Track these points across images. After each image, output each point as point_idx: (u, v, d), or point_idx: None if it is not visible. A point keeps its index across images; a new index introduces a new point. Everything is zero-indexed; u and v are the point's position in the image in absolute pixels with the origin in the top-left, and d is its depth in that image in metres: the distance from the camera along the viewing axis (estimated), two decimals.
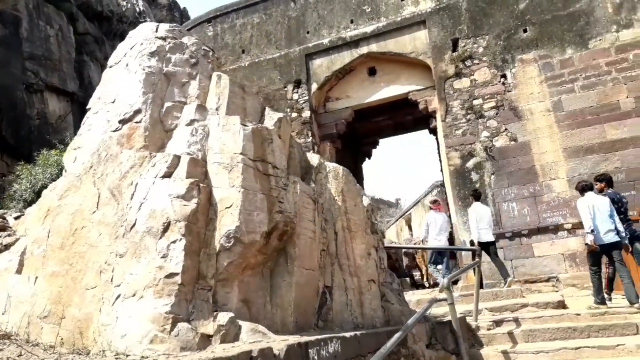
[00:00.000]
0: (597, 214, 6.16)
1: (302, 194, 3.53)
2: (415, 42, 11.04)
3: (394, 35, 11.26)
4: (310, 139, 11.63)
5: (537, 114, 9.57)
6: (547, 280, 8.69)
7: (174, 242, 2.93)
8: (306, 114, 11.76)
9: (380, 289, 4.45)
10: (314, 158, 4.31)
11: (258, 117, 3.91)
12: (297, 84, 12.03)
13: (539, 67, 9.78)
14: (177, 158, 3.25)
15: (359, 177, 14.28)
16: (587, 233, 6.13)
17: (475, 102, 10.11)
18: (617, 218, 6.17)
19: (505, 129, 9.73)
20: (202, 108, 3.57)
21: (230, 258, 3.04)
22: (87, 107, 3.87)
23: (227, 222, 3.07)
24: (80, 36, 21.06)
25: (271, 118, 3.84)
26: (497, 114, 9.87)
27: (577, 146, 9.13)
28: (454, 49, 10.55)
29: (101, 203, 3.35)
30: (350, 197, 4.33)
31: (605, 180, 6.73)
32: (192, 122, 3.49)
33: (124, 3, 25.10)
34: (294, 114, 11.88)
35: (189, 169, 3.19)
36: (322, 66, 11.95)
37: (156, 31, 3.91)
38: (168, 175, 3.19)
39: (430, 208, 8.96)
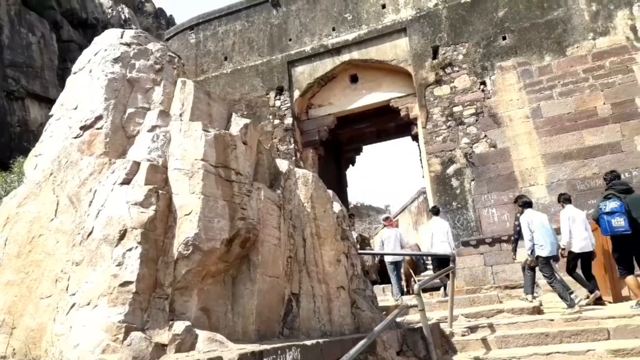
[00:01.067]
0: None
1: (266, 201, 3.49)
2: (396, 50, 11.10)
3: (375, 43, 11.32)
4: (292, 146, 11.61)
5: (517, 120, 9.64)
6: None
7: (130, 249, 2.88)
8: (288, 120, 11.76)
9: (351, 295, 4.42)
10: (283, 164, 4.28)
11: (224, 123, 3.88)
12: (280, 91, 12.03)
13: (518, 74, 9.87)
14: (137, 164, 3.20)
15: (342, 183, 14.29)
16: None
17: (456, 109, 10.18)
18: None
19: (485, 136, 9.79)
20: (164, 114, 3.53)
21: (188, 266, 2.99)
22: (50, 113, 3.81)
23: (185, 229, 3.02)
24: (65, 43, 20.92)
25: (237, 124, 3.81)
26: (477, 120, 9.93)
27: (556, 152, 9.20)
28: (435, 57, 10.62)
29: (60, 210, 3.29)
30: (319, 203, 4.30)
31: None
32: (153, 128, 3.45)
33: (109, 10, 25.01)
34: (277, 121, 11.88)
35: (148, 176, 3.14)
36: (304, 73, 11.97)
37: (121, 37, 3.87)
38: (127, 182, 3.14)
39: (384, 225, 9.16)
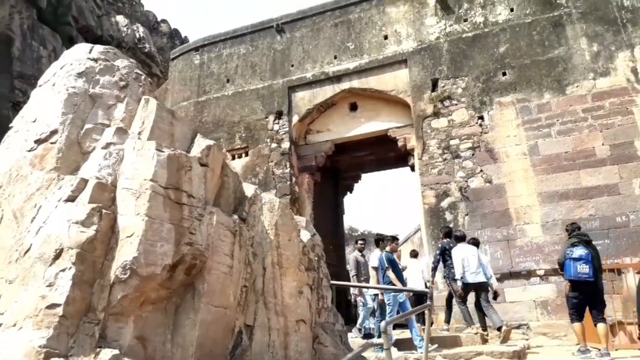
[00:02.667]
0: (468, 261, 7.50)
1: (218, 226, 3.36)
2: (396, 80, 11.09)
3: (375, 73, 11.34)
4: (288, 170, 11.54)
5: (513, 156, 9.49)
6: (518, 327, 8.40)
7: (64, 270, 2.75)
8: (285, 144, 11.71)
9: (313, 330, 4.22)
10: (249, 189, 4.15)
11: (188, 143, 3.78)
12: (279, 115, 12.03)
13: (517, 111, 9.77)
14: (84, 182, 3.10)
15: (338, 210, 14.13)
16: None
17: (452, 142, 10.06)
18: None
19: (481, 170, 9.63)
20: (121, 131, 3.45)
21: (125, 291, 2.85)
22: (10, 125, 3.75)
23: (125, 252, 2.89)
24: None
25: (200, 145, 3.71)
26: (473, 154, 9.79)
27: (552, 191, 9.00)
28: (434, 89, 10.58)
29: (2, 225, 3.18)
30: (284, 231, 4.16)
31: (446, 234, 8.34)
32: (108, 145, 3.36)
33: (124, 29, 25.50)
34: (274, 145, 11.85)
35: (94, 194, 3.03)
36: (304, 99, 11.98)
37: (90, 52, 3.83)
38: (72, 199, 3.04)
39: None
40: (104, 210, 3.01)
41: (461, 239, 7.82)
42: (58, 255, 2.80)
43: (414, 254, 9.07)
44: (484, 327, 7.39)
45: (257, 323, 3.70)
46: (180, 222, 3.15)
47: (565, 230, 6.66)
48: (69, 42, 21.41)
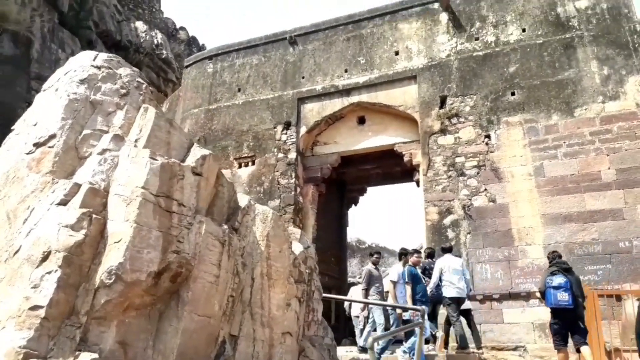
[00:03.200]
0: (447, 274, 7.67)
1: (207, 235, 3.41)
2: (405, 96, 11.13)
3: (385, 88, 11.39)
4: (293, 180, 11.60)
5: (518, 177, 9.44)
6: (514, 349, 8.31)
7: (49, 272, 2.81)
8: (292, 155, 11.78)
9: (300, 343, 4.24)
10: (243, 199, 4.21)
11: (184, 152, 3.85)
12: (287, 126, 12.13)
13: (524, 131, 9.73)
14: (77, 186, 3.18)
15: (342, 222, 14.14)
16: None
17: (458, 159, 10.04)
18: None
19: (485, 189, 9.59)
20: (118, 138, 3.53)
21: (109, 296, 2.90)
22: (12, 127, 3.86)
23: (112, 257, 2.95)
24: None
25: (195, 155, 3.78)
26: (478, 173, 9.76)
27: (556, 213, 8.93)
28: (442, 106, 10.59)
29: None
30: (276, 242, 4.19)
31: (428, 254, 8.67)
32: (104, 151, 3.44)
33: (143, 35, 25.92)
34: (280, 155, 11.93)
35: (85, 199, 3.11)
36: (313, 111, 12.07)
37: (94, 60, 3.94)
38: (64, 203, 3.11)
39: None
40: (94, 215, 3.08)
41: (447, 250, 7.99)
42: (45, 257, 2.87)
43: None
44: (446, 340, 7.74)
45: (242, 333, 3.73)
46: (168, 230, 3.20)
47: (547, 257, 6.85)
48: (88, 46, 21.85)
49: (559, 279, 6.00)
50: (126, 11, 27.51)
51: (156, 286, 3.10)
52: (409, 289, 7.02)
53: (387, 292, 7.83)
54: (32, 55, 15.63)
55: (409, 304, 6.79)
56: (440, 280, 7.70)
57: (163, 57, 27.49)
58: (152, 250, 3.06)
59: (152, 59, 26.91)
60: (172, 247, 3.18)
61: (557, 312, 6.05)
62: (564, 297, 5.87)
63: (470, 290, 7.92)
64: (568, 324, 6.00)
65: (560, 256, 6.58)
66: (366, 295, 8.24)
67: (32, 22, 15.89)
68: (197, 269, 3.30)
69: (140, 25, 27.09)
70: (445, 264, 7.71)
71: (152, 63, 26.95)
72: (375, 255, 9.03)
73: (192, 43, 33.66)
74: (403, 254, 7.88)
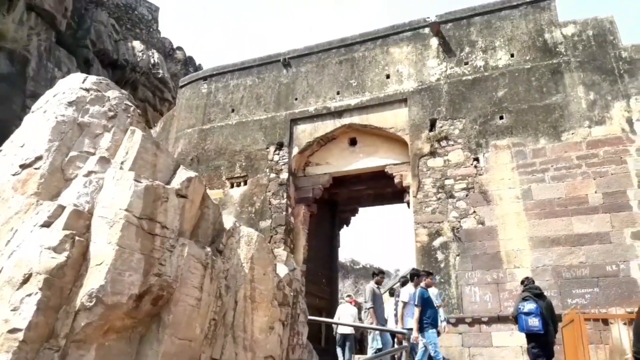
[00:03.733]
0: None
1: (189, 257, 3.44)
2: (396, 118, 11.28)
3: (376, 110, 11.55)
4: (285, 201, 11.64)
5: (507, 199, 9.53)
6: None
7: (30, 295, 2.83)
8: (284, 175, 11.85)
9: None
10: (228, 221, 4.25)
11: (170, 174, 3.90)
12: (280, 146, 12.22)
13: (512, 154, 9.86)
14: (62, 208, 3.21)
15: (334, 242, 14.15)
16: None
17: (447, 182, 10.14)
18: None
19: (474, 212, 9.67)
20: (104, 160, 3.58)
21: (89, 318, 2.91)
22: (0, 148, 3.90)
23: (93, 280, 2.97)
24: None
25: (181, 177, 3.83)
26: (467, 195, 9.85)
27: (544, 236, 9.00)
28: (431, 129, 10.74)
29: None
30: (260, 265, 4.22)
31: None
32: (89, 173, 3.49)
33: (140, 54, 26.18)
34: (273, 175, 11.99)
35: (69, 221, 3.14)
36: (306, 132, 12.18)
37: (83, 82, 4.01)
38: (47, 224, 3.14)
39: (346, 301, 9.67)
40: (77, 237, 3.11)
41: (409, 280, 8.08)
42: (26, 279, 2.89)
43: (392, 293, 9.34)
44: None
45: (224, 357, 3.72)
46: (151, 253, 3.23)
47: (520, 282, 7.06)
48: (85, 65, 22.05)
49: (529, 305, 6.27)
50: (124, 31, 27.79)
51: (137, 309, 3.12)
52: (417, 311, 6.87)
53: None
54: (28, 74, 15.76)
55: (414, 327, 6.72)
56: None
57: (159, 76, 27.71)
58: (134, 273, 3.09)
59: (148, 78, 27.11)
60: (154, 270, 3.20)
61: (531, 337, 6.31)
62: (534, 322, 6.12)
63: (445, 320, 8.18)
64: (544, 348, 6.20)
65: (533, 281, 6.78)
66: (375, 314, 8.12)
67: (29, 41, 16.06)
68: (178, 292, 3.32)
69: (137, 45, 27.36)
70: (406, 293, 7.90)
71: (149, 82, 27.15)
72: (380, 275, 8.96)
73: (188, 63, 33.95)
74: (415, 275, 7.71)
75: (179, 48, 34.33)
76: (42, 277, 2.88)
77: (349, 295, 10.33)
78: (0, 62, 15.25)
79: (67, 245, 3.05)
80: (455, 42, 11.33)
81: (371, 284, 8.73)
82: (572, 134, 9.57)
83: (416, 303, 6.90)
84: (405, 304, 7.37)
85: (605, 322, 7.24)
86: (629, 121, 9.26)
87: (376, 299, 8.38)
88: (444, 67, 11.23)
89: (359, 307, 10.26)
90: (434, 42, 11.54)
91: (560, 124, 9.75)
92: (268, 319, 4.11)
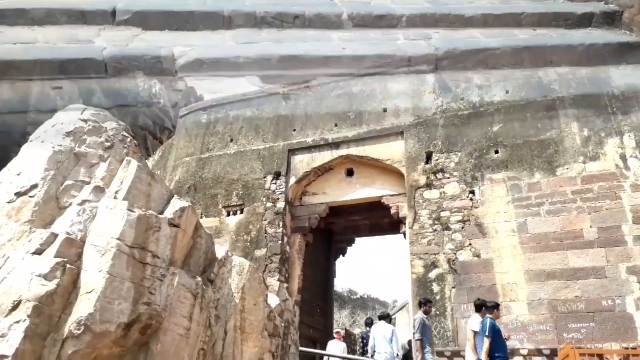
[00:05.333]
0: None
1: (179, 287, 3.46)
2: (392, 151, 11.40)
3: (373, 142, 11.68)
4: (281, 230, 11.63)
5: (502, 232, 9.55)
6: None
7: (18, 322, 2.84)
8: (280, 204, 11.88)
9: None
10: (220, 250, 4.28)
11: (163, 204, 3.96)
12: (277, 176, 12.30)
13: (507, 188, 9.93)
14: (54, 236, 3.25)
15: (329, 272, 14.07)
16: None
17: (443, 213, 10.17)
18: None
19: (470, 244, 9.67)
20: (98, 189, 3.65)
21: (76, 346, 2.92)
22: None
23: (82, 308, 2.99)
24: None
25: (174, 207, 3.88)
26: (462, 227, 9.87)
27: (539, 270, 8.97)
28: (427, 161, 10.84)
29: None
30: (251, 295, 4.23)
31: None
32: (83, 202, 3.54)
33: (141, 83, 26.61)
34: (269, 204, 12.02)
35: (61, 248, 3.18)
36: (303, 162, 12.28)
37: (81, 114, 4.12)
38: (39, 252, 3.18)
39: (334, 337, 9.84)
40: (68, 265, 3.14)
41: (382, 317, 8.83)
42: (15, 306, 2.91)
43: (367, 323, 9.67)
44: None
45: None
46: (141, 282, 3.26)
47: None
48: (86, 93, 22.34)
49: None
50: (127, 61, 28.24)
51: (125, 337, 3.12)
52: (487, 342, 6.55)
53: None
54: (30, 101, 15.95)
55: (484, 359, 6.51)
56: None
57: (160, 105, 28.04)
58: (123, 302, 3.10)
59: (149, 107, 27.44)
60: (144, 299, 3.22)
61: None
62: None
63: (397, 355, 8.30)
64: None
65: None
66: (421, 345, 7.69)
67: (33, 69, 16.34)
68: (167, 321, 3.32)
69: (139, 75, 27.77)
70: (377, 332, 8.36)
71: (149, 111, 27.45)
72: (428, 305, 8.38)
73: (189, 93, 34.41)
74: (482, 305, 7.39)
75: (181, 78, 34.79)
76: (31, 304, 2.89)
77: (337, 332, 10.31)
78: (2, 90, 15.51)
79: (57, 272, 3.08)
80: (452, 78, 11.56)
81: (420, 315, 8.12)
82: (567, 169, 9.67)
83: (486, 334, 6.59)
84: (475, 332, 7.01)
85: (601, 357, 7.17)
86: (623, 157, 9.37)
87: (425, 330, 7.90)
88: (440, 102, 11.41)
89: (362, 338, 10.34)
90: (431, 78, 11.77)
91: (555, 159, 9.85)
92: (258, 349, 4.09)
